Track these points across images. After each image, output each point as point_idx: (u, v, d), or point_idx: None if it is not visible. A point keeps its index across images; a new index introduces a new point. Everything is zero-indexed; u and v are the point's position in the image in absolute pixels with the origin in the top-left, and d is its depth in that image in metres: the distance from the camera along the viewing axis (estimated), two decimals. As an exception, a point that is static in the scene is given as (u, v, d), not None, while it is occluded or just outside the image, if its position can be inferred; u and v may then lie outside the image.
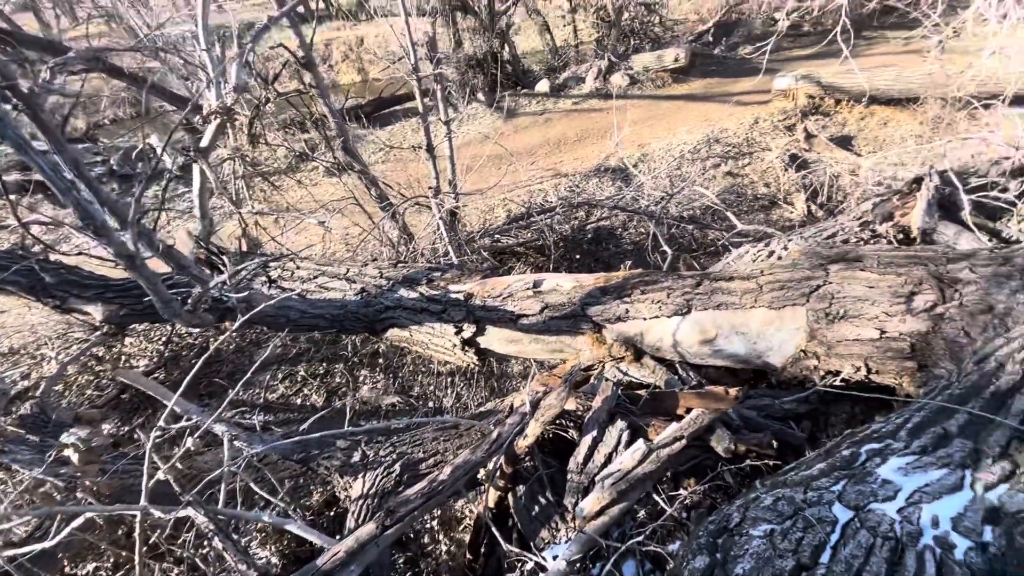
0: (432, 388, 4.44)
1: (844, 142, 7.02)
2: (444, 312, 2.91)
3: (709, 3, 11.41)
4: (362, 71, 15.96)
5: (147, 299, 3.54)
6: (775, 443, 2.16)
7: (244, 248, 4.59)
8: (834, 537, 1.33)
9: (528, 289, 2.79)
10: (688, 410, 2.19)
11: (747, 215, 6.11)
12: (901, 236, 3.15)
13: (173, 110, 9.51)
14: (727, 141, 7.61)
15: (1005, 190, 3.06)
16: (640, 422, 2.24)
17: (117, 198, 2.28)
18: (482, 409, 3.09)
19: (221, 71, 3.88)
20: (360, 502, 2.63)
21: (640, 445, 2.09)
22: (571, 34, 11.38)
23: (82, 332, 5.08)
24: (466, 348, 2.90)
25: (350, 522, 2.60)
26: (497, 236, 6.36)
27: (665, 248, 4.01)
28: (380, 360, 4.74)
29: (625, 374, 2.57)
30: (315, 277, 3.28)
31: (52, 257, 4.09)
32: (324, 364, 4.85)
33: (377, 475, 2.72)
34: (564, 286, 2.75)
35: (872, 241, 3.11)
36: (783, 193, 6.47)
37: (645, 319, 2.49)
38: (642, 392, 2.45)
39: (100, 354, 5.08)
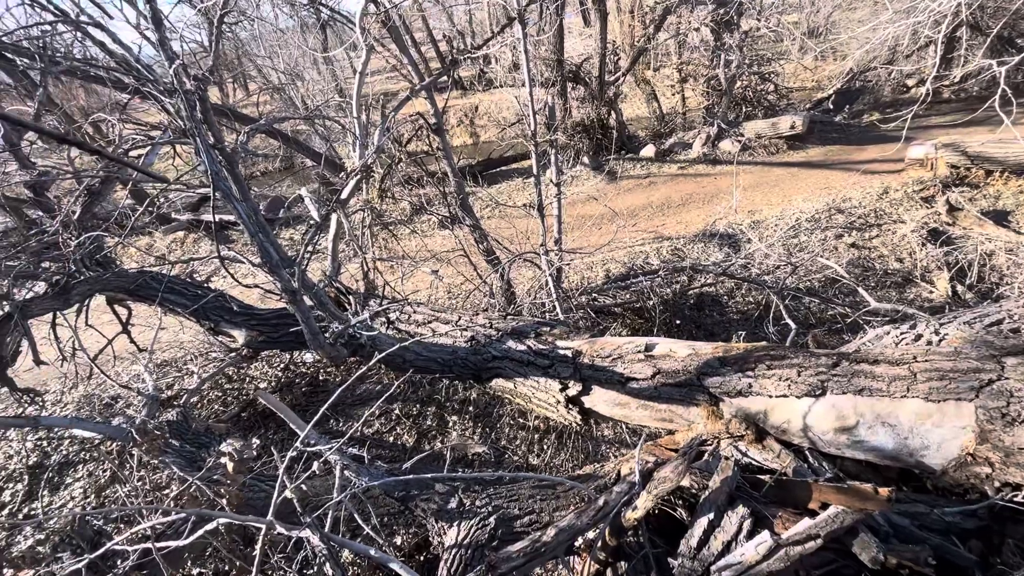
0: (520, 443, 4.40)
1: (999, 217, 6.24)
2: (551, 367, 2.92)
3: (830, 71, 11.06)
4: (474, 135, 17.32)
5: (285, 330, 3.98)
6: (935, 561, 1.84)
7: (365, 290, 5.02)
8: None
9: (639, 352, 2.73)
10: (823, 506, 1.96)
11: (876, 291, 5.56)
12: (1091, 330, 2.67)
13: (314, 166, 10.94)
14: (851, 211, 7.10)
15: None
16: (764, 511, 2.04)
17: (278, 242, 2.65)
18: (580, 472, 2.99)
19: (365, 135, 4.44)
20: (454, 551, 2.61)
21: (766, 537, 1.89)
22: (679, 102, 11.54)
23: (220, 353, 5.77)
24: (570, 406, 2.87)
25: (442, 571, 2.58)
26: (596, 295, 6.36)
27: (788, 321, 3.74)
28: (470, 408, 4.82)
29: (744, 454, 2.38)
30: (429, 322, 3.48)
31: (213, 286, 4.77)
32: (418, 405, 5.02)
33: (472, 525, 2.71)
34: (679, 352, 2.66)
35: (1052, 333, 2.67)
36: (920, 270, 5.83)
37: (771, 396, 2.31)
38: (764, 478, 2.24)
39: (230, 374, 5.71)
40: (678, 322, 5.71)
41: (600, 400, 2.81)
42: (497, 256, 5.69)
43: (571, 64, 11.06)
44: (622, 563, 2.30)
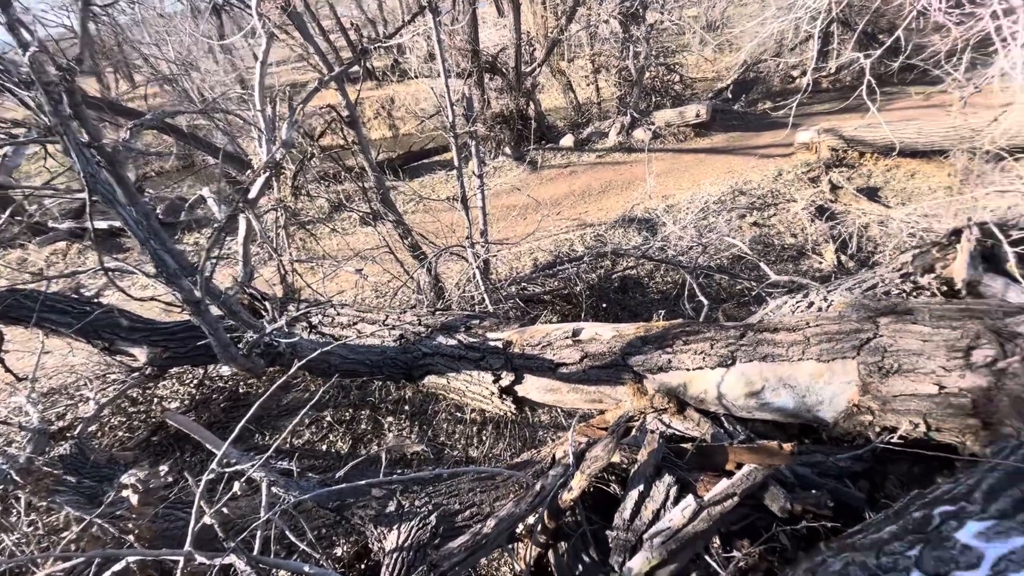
0: (459, 437, 4.39)
1: (871, 193, 7.04)
2: (482, 360, 2.93)
3: (727, 62, 11.88)
4: (393, 127, 16.83)
5: (193, 343, 3.66)
6: (832, 503, 2.07)
7: (283, 294, 4.73)
8: (917, 607, 1.26)
9: (567, 338, 2.80)
10: (738, 466, 2.13)
11: (776, 265, 6.09)
12: (944, 288, 3.10)
13: (216, 163, 10.11)
14: (752, 192, 7.70)
15: (1051, 242, 3.02)
16: (688, 477, 2.18)
17: (177, 248, 2.42)
18: (518, 460, 3.03)
19: (272, 129, 4.17)
20: (395, 554, 2.56)
21: (690, 502, 2.03)
22: (594, 92, 11.88)
23: (120, 374, 5.21)
24: (504, 396, 2.90)
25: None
26: (524, 284, 6.44)
27: (701, 298, 4.00)
28: (406, 407, 4.73)
29: (668, 426, 2.52)
30: (355, 323, 3.36)
31: (103, 301, 4.28)
32: (351, 410, 4.85)
33: (413, 526, 2.66)
34: (604, 335, 2.76)
35: (915, 293, 3.07)
36: (811, 244, 6.45)
37: (688, 370, 2.47)
38: (686, 446, 2.40)
39: (135, 396, 5.18)
40: (604, 305, 5.93)
41: (532, 388, 2.86)
42: (423, 251, 5.59)
43: (487, 55, 11.02)
44: (562, 543, 2.37)
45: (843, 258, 6.03)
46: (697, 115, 9.54)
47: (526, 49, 11.71)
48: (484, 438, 4.26)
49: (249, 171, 3.85)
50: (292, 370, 1.84)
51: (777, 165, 8.15)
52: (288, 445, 4.61)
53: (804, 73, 5.11)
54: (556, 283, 6.31)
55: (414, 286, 5.38)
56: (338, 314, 3.46)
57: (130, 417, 4.99)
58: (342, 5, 21.27)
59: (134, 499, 1.74)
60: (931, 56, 4.69)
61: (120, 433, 4.81)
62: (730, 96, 10.72)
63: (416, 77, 12.06)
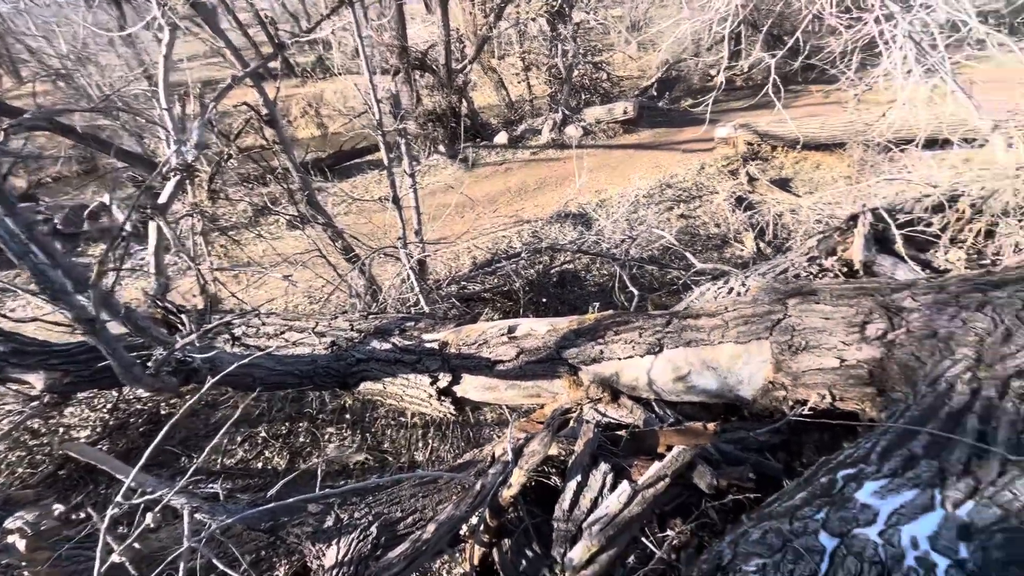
0: (403, 442, 4.30)
1: (783, 184, 7.58)
2: (419, 362, 2.87)
3: (651, 61, 12.37)
4: (321, 125, 16.17)
5: (97, 365, 3.33)
6: (754, 475, 2.20)
7: (203, 306, 4.42)
8: (824, 566, 1.36)
9: (503, 335, 2.80)
10: (669, 448, 2.22)
11: (702, 254, 6.42)
12: (845, 269, 3.39)
13: (123, 167, 9.28)
14: (678, 186, 8.08)
15: (929, 224, 3.39)
16: (623, 463, 2.24)
17: (72, 261, 2.18)
18: (460, 460, 3.01)
19: (182, 129, 3.87)
20: (335, 570, 2.46)
21: (625, 487, 2.09)
22: (526, 90, 11.99)
23: (16, 404, 4.67)
24: (442, 397, 2.86)
25: (324, 595, 2.42)
26: (464, 283, 6.41)
27: (632, 289, 4.14)
28: (347, 416, 4.57)
29: (603, 415, 2.59)
30: (282, 332, 3.19)
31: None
32: (287, 424, 4.62)
33: (353, 539, 2.57)
34: (539, 330, 2.79)
35: (820, 275, 3.33)
36: (733, 232, 6.85)
37: (620, 359, 2.54)
38: (622, 433, 2.47)
39: (36, 427, 4.67)
40: (544, 300, 6.01)
41: (471, 387, 2.84)
42: (357, 254, 5.41)
43: (416, 51, 10.83)
44: (505, 540, 2.37)
45: (761, 245, 6.45)
46: (625, 112, 9.86)
47: (456, 46, 11.61)
48: (429, 440, 4.20)
49: (157, 175, 3.55)
50: (205, 387, 1.71)
51: (700, 159, 8.59)
52: (219, 466, 4.33)
53: (720, 72, 5.40)
54: (495, 280, 6.33)
55: (348, 290, 5.20)
56: (263, 324, 3.27)
57: (31, 451, 4.50)
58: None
59: (22, 545, 1.55)
60: (827, 57, 5.11)
61: (21, 470, 4.32)
62: (655, 94, 11.18)
63: (340, 74, 11.64)
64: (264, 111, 4.49)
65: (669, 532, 2.16)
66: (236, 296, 5.35)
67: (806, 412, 2.23)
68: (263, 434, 4.50)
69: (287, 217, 6.23)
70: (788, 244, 5.97)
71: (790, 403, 2.29)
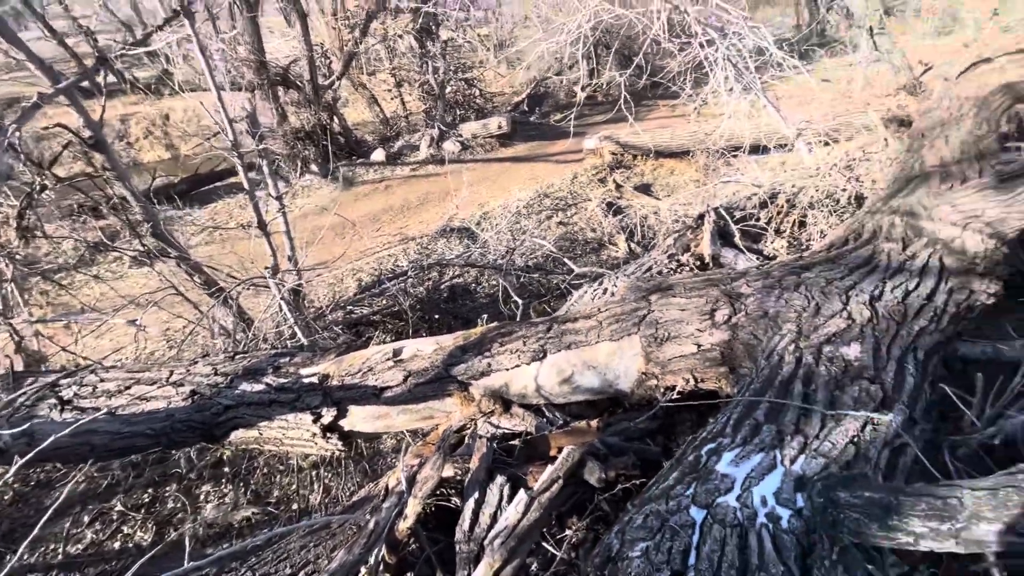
0: (294, 488, 3.94)
1: (645, 189, 8.35)
2: (298, 400, 2.66)
3: (521, 78, 12.94)
4: (171, 147, 14.47)
5: None
6: (638, 462, 2.36)
7: (21, 367, 3.67)
8: (695, 538, 1.49)
9: (388, 360, 2.70)
10: (560, 450, 2.30)
11: (583, 257, 6.82)
12: (699, 263, 3.81)
13: None
14: (555, 195, 8.51)
15: (758, 219, 3.96)
16: (519, 472, 2.27)
17: None
18: (356, 498, 2.83)
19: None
20: (215, 652, 2.17)
21: (522, 496, 2.11)
22: (400, 106, 11.85)
23: None
24: (328, 435, 2.67)
25: None
26: (350, 308, 6.13)
27: (516, 299, 4.25)
28: (226, 469, 4.09)
29: (497, 427, 2.60)
30: (127, 388, 2.75)
31: None
32: (150, 490, 4.02)
33: (234, 612, 2.29)
34: (425, 350, 2.73)
35: (678, 270, 3.71)
36: (607, 235, 7.37)
37: (507, 369, 2.58)
38: (516, 442, 2.51)
39: None
40: (436, 316, 5.93)
41: (359, 419, 2.69)
42: (221, 288, 4.89)
43: (277, 66, 10.19)
44: (409, 575, 2.27)
45: (632, 245, 7.01)
46: (499, 127, 10.19)
47: (322, 61, 11.14)
48: (324, 480, 3.90)
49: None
50: (12, 470, 1.40)
51: (572, 169, 9.14)
52: (60, 557, 3.61)
53: (585, 88, 5.82)
54: (384, 301, 6.13)
55: (214, 328, 4.67)
56: (102, 380, 2.80)
57: None
58: (83, 4, 17.54)
59: None
60: (668, 75, 5.75)
61: None
62: (526, 109, 11.71)
63: (192, 90, 10.49)
64: (87, 133, 3.89)
65: (568, 531, 2.23)
66: (69, 351, 4.55)
67: (675, 396, 2.44)
68: (119, 507, 3.85)
69: (130, 254, 5.44)
70: (653, 243, 6.58)
71: (662, 390, 2.50)
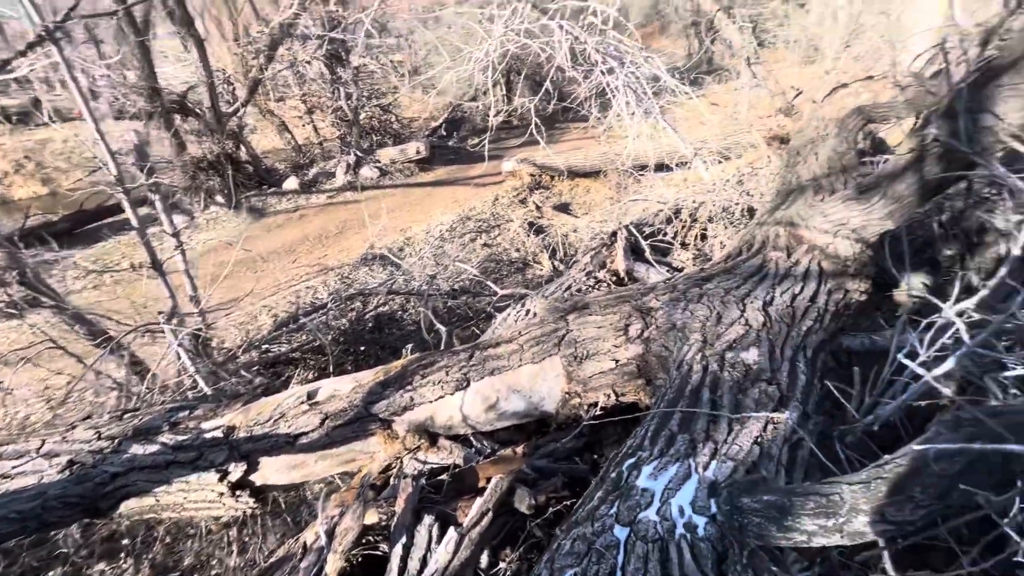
0: (211, 551, 3.56)
1: (564, 208, 8.63)
2: (200, 458, 2.41)
3: (438, 102, 13.01)
4: (48, 182, 13.00)
5: None
6: (568, 483, 2.37)
7: None
8: (620, 558, 1.50)
9: (303, 403, 2.53)
10: (489, 480, 2.25)
11: (507, 278, 6.88)
12: (615, 278, 3.97)
13: None
14: (477, 217, 8.56)
15: (665, 234, 4.22)
16: (447, 509, 2.20)
17: None
18: (273, 559, 2.59)
19: None
20: None
21: (452, 534, 2.04)
22: (313, 132, 11.47)
23: None
24: (238, 492, 2.44)
25: None
26: (266, 346, 5.76)
27: (439, 327, 4.19)
28: (124, 541, 3.62)
29: (425, 462, 2.51)
30: (-15, 466, 2.36)
31: None
32: (27, 580, 3.46)
33: None
34: (343, 389, 2.59)
35: (596, 286, 3.83)
36: (531, 254, 7.51)
37: (431, 402, 2.51)
38: (446, 476, 2.43)
39: None
40: (362, 348, 5.71)
41: (272, 471, 2.49)
42: (110, 336, 4.39)
43: (173, 93, 9.52)
44: (335, 636, 2.10)
45: (555, 263, 7.19)
46: (418, 152, 10.15)
47: (225, 88, 10.57)
48: (244, 538, 3.55)
49: None
50: None
51: (493, 191, 9.27)
52: None
53: (492, 114, 5.95)
54: (303, 337, 5.82)
55: (104, 384, 4.17)
56: (-49, 461, 2.38)
57: None
58: (-73, 24, 15.54)
59: None
60: (576, 100, 6.03)
61: None
62: (444, 133, 11.77)
63: (52, 120, 9.48)
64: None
65: (501, 564, 2.18)
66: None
67: (599, 413, 2.49)
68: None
69: (-6, 305, 4.75)
70: (574, 259, 6.79)
71: (586, 407, 2.54)
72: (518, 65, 9.92)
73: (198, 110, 9.47)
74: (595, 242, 5.49)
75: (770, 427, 1.86)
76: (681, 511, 1.59)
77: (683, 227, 4.27)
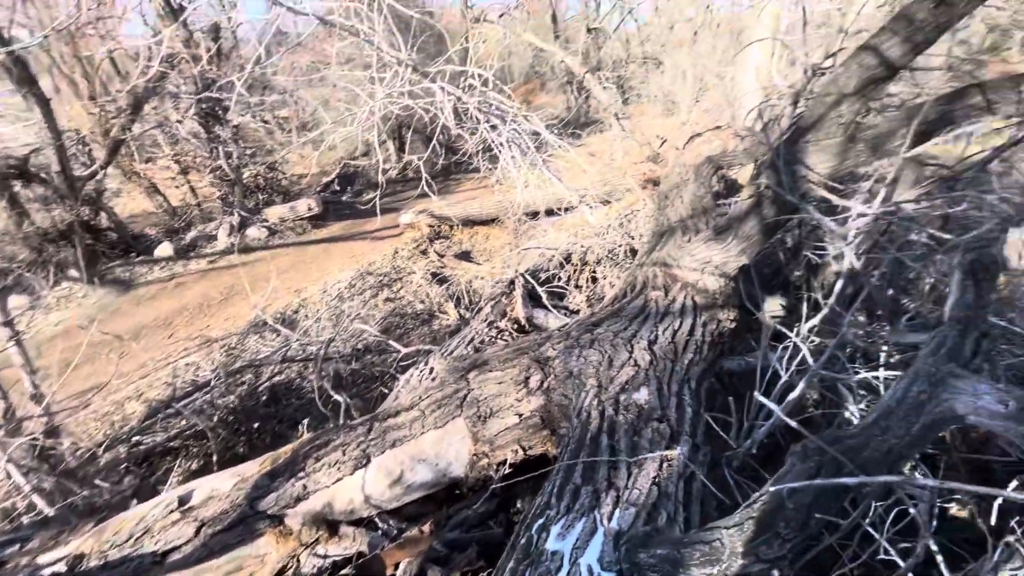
0: None
1: (466, 256, 8.72)
2: (35, 604, 1.97)
3: (330, 157, 12.73)
4: None
5: None
6: (483, 551, 2.27)
7: None
8: (532, 634, 1.45)
9: (172, 512, 2.20)
10: (397, 566, 2.09)
11: (413, 331, 6.71)
12: (516, 326, 4.03)
13: None
14: (378, 272, 8.34)
15: (560, 278, 4.41)
16: (352, 608, 1.99)
17: None
18: None
19: None
20: None
21: (356, 638, 1.84)
22: (189, 193, 10.61)
23: None
24: (89, 637, 2.02)
25: None
26: (137, 438, 5.05)
27: (336, 397, 3.94)
28: None
29: (325, 556, 2.28)
30: None
31: None
32: None
33: None
34: (223, 488, 2.30)
35: (499, 336, 3.86)
36: (436, 305, 7.43)
37: (328, 487, 2.31)
38: (350, 569, 2.22)
39: None
40: (256, 425, 5.21)
41: (136, 600, 2.10)
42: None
43: (11, 158, 8.36)
44: None
45: (462, 311, 7.16)
46: (309, 208, 9.78)
47: (79, 149, 9.50)
48: None
49: None
50: None
51: (392, 244, 9.14)
52: None
53: (387, 172, 5.94)
54: (183, 422, 5.18)
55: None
56: None
57: None
58: None
59: None
60: (466, 153, 6.23)
61: None
62: (338, 188, 11.49)
63: None
64: None
65: (418, 658, 2.00)
66: None
67: (508, 471, 2.45)
68: None
69: None
70: (478, 307, 6.84)
71: (495, 467, 2.48)
72: (408, 120, 10.09)
73: (44, 175, 8.38)
74: (496, 290, 5.58)
75: (665, 465, 1.94)
76: (590, 570, 1.58)
77: (575, 271, 4.49)
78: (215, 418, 5.13)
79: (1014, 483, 1.65)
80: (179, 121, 9.00)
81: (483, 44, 6.48)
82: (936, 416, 1.31)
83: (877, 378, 2.72)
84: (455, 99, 4.60)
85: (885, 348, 2.70)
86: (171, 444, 5.02)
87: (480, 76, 4.52)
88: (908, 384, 1.45)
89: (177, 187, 10.54)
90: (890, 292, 3.34)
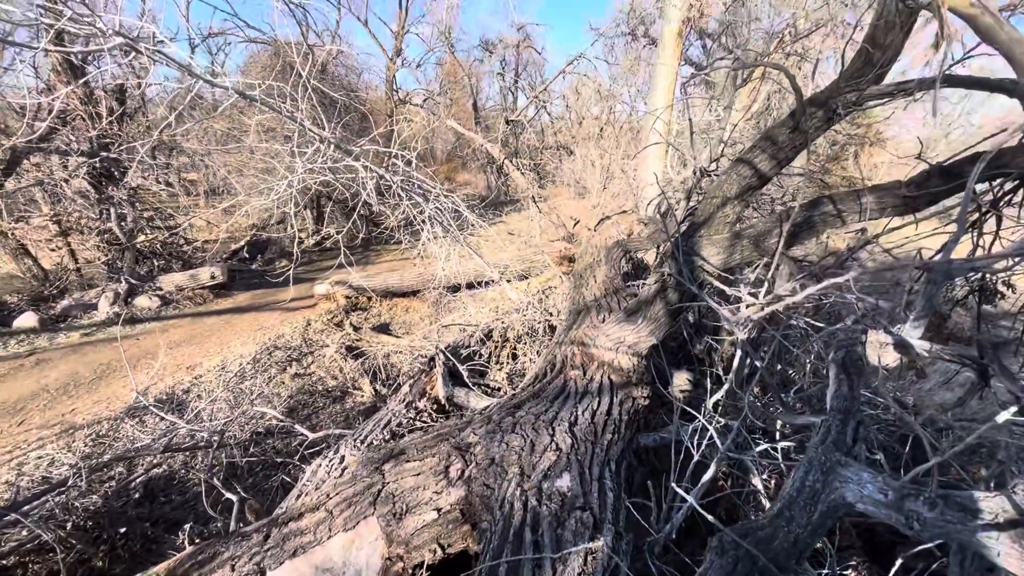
0: None
1: (384, 328, 8.45)
2: None
3: (239, 224, 12.11)
4: None
5: None
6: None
7: None
8: None
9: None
10: None
11: (323, 410, 6.23)
12: (436, 405, 3.89)
13: None
14: (287, 345, 7.79)
15: (481, 355, 4.39)
16: None
17: None
18: None
19: None
20: None
21: None
22: (68, 257, 9.47)
23: None
24: None
25: None
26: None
27: (229, 496, 3.49)
28: None
29: None
30: None
31: None
32: None
33: None
34: (70, 627, 1.87)
35: (418, 417, 3.69)
36: (350, 381, 7.01)
37: (211, 613, 1.97)
38: None
39: None
40: (123, 530, 4.43)
41: None
42: None
43: None
44: None
45: (377, 387, 6.81)
46: (212, 276, 9.09)
47: (-74, 204, 8.26)
48: None
49: None
50: None
51: (304, 316, 8.66)
52: None
53: (302, 242, 5.74)
54: (25, 533, 4.28)
55: None
56: None
57: None
58: None
59: None
60: (388, 226, 6.23)
61: None
62: (247, 255, 10.86)
63: None
64: None
65: None
66: None
67: (425, 574, 2.25)
68: None
69: None
70: (398, 382, 6.55)
71: (410, 571, 2.28)
72: (328, 191, 10.00)
73: None
74: (415, 367, 5.42)
75: (590, 559, 1.90)
76: None
77: (496, 347, 4.50)
78: (69, 525, 4.32)
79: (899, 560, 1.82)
80: (66, 180, 8.20)
81: (408, 124, 6.75)
82: (830, 504, 1.42)
83: (776, 449, 2.93)
84: (378, 176, 4.67)
85: (779, 424, 2.94)
86: (6, 561, 4.13)
87: (403, 157, 4.66)
88: (804, 473, 1.57)
89: (52, 250, 9.38)
90: (779, 367, 3.69)
